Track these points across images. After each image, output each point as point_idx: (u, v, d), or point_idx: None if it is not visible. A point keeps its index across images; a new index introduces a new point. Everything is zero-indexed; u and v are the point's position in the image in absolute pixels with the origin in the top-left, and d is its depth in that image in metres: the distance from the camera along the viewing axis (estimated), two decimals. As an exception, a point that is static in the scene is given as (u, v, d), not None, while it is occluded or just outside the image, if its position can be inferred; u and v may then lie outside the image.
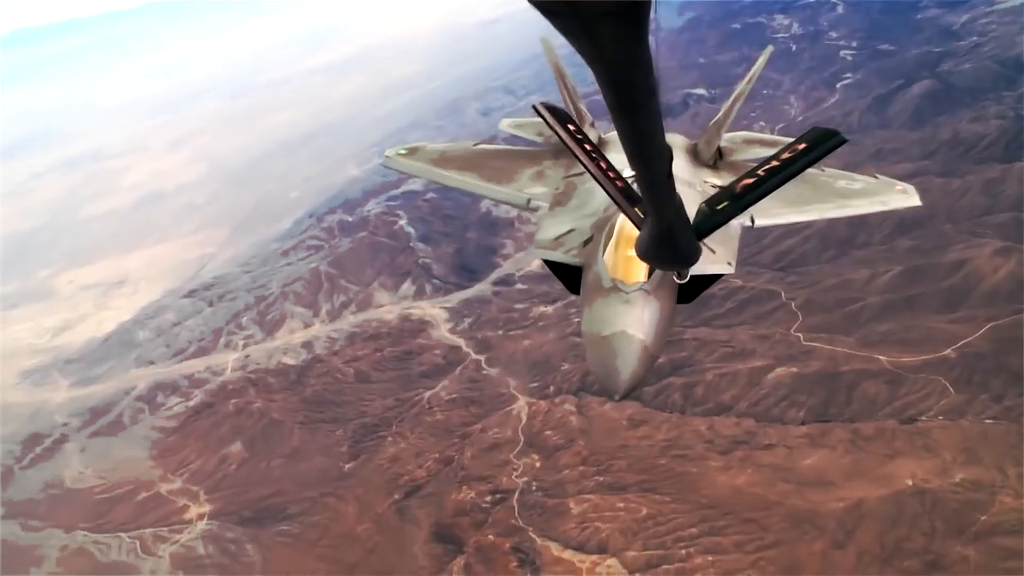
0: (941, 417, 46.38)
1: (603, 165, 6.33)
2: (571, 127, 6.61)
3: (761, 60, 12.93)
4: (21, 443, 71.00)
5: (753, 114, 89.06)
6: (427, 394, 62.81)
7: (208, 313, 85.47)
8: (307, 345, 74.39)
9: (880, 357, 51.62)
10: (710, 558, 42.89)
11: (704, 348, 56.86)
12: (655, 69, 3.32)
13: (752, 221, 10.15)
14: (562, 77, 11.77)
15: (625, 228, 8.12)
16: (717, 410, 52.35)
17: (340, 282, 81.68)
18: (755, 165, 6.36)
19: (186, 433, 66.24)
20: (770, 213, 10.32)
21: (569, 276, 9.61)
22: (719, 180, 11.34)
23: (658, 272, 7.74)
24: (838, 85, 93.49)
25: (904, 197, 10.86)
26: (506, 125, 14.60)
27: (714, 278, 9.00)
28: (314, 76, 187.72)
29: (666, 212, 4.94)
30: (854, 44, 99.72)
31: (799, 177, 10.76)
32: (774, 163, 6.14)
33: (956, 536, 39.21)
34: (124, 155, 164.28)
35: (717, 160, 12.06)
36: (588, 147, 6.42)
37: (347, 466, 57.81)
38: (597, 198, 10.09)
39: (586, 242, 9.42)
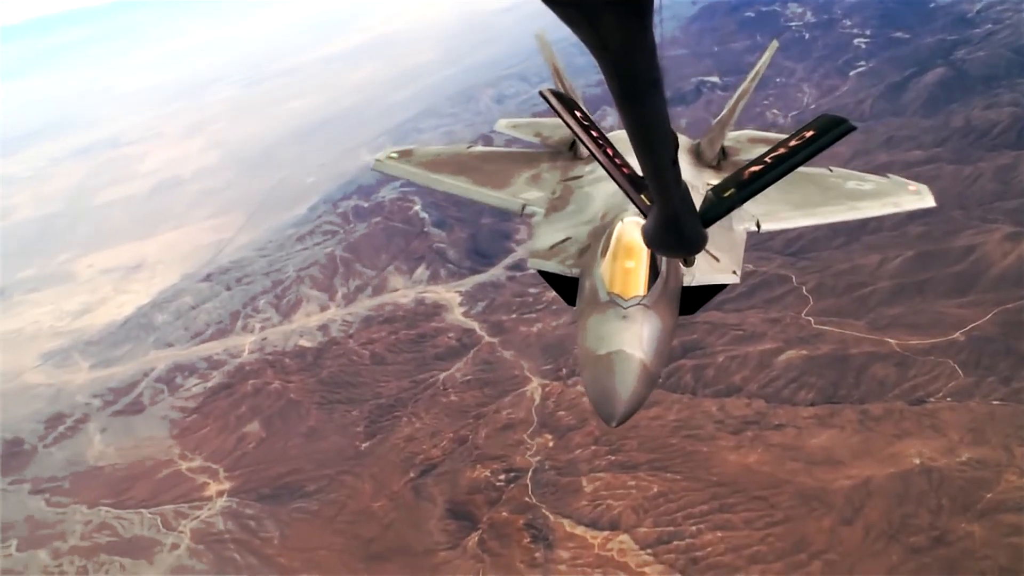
0: (949, 399, 47.09)
1: (610, 152, 6.24)
2: (578, 113, 6.47)
3: (766, 56, 12.57)
4: (44, 422, 72.32)
5: (766, 102, 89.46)
6: (442, 376, 63.78)
7: (225, 296, 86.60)
8: (323, 328, 75.43)
9: (889, 340, 52.31)
10: (720, 534, 43.82)
11: (715, 331, 57.57)
12: (659, 57, 3.26)
13: (758, 226, 9.86)
14: (558, 73, 11.20)
15: (623, 238, 7.98)
16: (728, 391, 53.13)
17: (355, 266, 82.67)
18: (762, 152, 6.32)
19: (205, 413, 67.38)
20: (777, 217, 10.05)
21: (566, 287, 9.38)
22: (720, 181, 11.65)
23: (658, 285, 7.61)
24: (851, 73, 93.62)
25: (917, 198, 10.62)
26: (502, 126, 14.29)
27: (718, 288, 8.81)
28: (328, 64, 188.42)
29: (672, 199, 4.82)
30: (868, 32, 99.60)
31: (807, 179, 10.68)
32: (782, 150, 6.07)
33: (962, 513, 40.01)
34: (140, 142, 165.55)
35: (721, 160, 11.75)
36: (595, 133, 6.32)
37: (363, 445, 58.84)
38: (595, 204, 9.95)
39: (582, 251, 9.17)
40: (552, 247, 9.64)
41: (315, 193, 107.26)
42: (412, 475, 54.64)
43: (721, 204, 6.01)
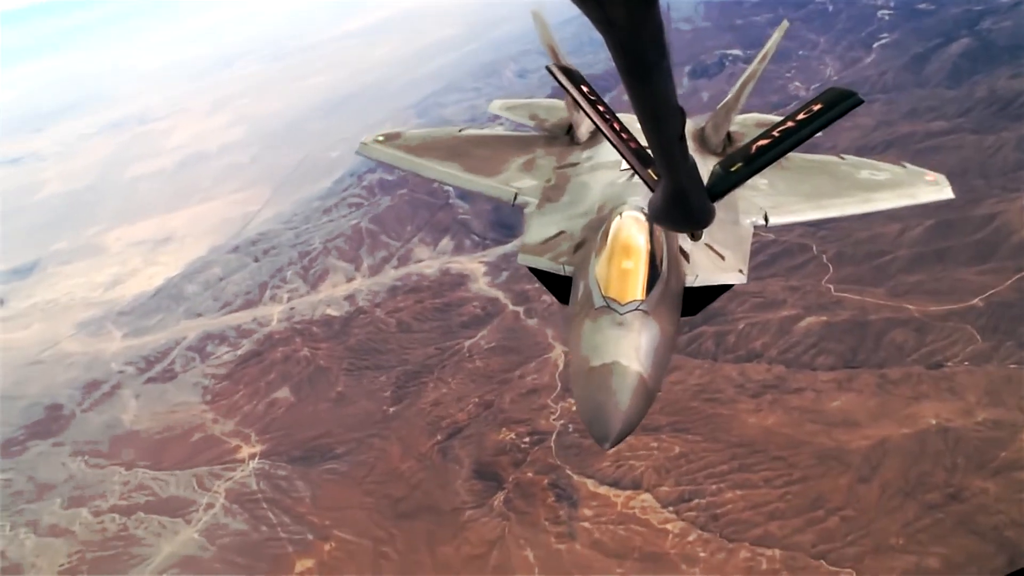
0: (967, 363, 47.78)
1: (617, 126, 6.09)
2: (585, 88, 6.24)
3: (776, 37, 11.92)
4: (81, 389, 74.51)
5: (788, 74, 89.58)
6: (467, 343, 65.07)
7: (253, 268, 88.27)
8: (350, 298, 76.87)
9: (909, 306, 52.97)
10: (739, 492, 45.03)
11: (736, 299, 58.33)
12: (666, 31, 3.22)
13: (766, 220, 9.46)
14: (555, 53, 10.43)
15: (621, 234, 7.49)
16: (748, 357, 54.07)
17: (381, 238, 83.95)
18: (770, 127, 6.13)
19: (236, 380, 69.11)
20: (786, 210, 9.70)
21: (559, 285, 8.95)
22: None
23: (658, 287, 7.20)
24: (875, 45, 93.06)
25: (935, 189, 10.22)
26: (496, 107, 13.64)
27: (723, 288, 8.45)
28: (351, 39, 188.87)
29: (680, 174, 4.75)
30: (892, 4, 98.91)
31: (818, 169, 10.52)
32: (790, 124, 5.90)
33: (976, 471, 40.97)
34: (167, 117, 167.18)
35: (726, 146, 11.26)
36: (602, 108, 6.15)
37: (391, 410, 60.29)
38: (591, 194, 9.51)
39: (577, 247, 8.74)
40: (544, 241, 9.24)
41: (340, 167, 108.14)
42: (439, 438, 56.08)
43: (728, 178, 5.87)
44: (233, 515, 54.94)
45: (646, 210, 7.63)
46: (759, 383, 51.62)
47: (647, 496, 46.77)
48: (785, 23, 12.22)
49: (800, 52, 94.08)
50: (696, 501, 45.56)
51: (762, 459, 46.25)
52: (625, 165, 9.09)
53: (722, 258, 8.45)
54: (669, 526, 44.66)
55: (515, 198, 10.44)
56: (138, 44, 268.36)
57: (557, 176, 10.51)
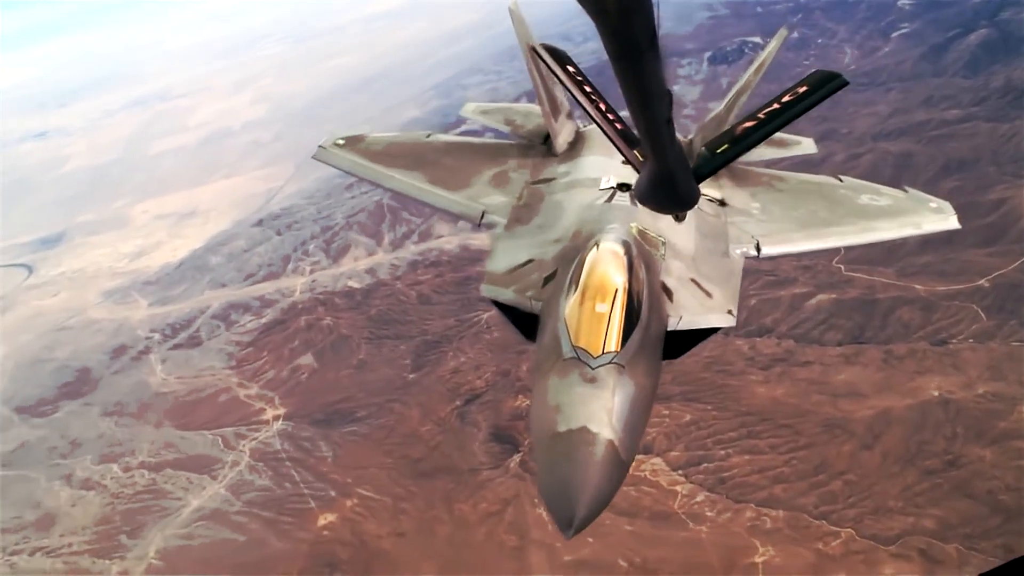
0: (971, 340, 49.45)
1: (603, 107, 5.92)
2: (571, 68, 6.10)
3: (772, 45, 11.69)
4: (108, 353, 76.74)
5: (807, 62, 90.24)
6: (485, 315, 66.62)
7: (276, 241, 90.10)
8: (371, 271, 78.65)
9: (916, 286, 54.54)
10: (747, 458, 46.85)
11: (748, 277, 58.49)
12: (656, 16, 3.26)
13: (758, 250, 8.88)
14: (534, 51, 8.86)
15: (596, 270, 6.76)
16: (759, 332, 55.68)
17: (402, 214, 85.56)
18: (756, 109, 6.12)
19: (260, 346, 71.10)
20: (780, 238, 9.11)
21: (527, 320, 8.07)
22: (715, 191, 9.92)
23: (635, 336, 6.53)
24: (893, 35, 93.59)
25: (939, 218, 9.74)
26: (470, 111, 12.83)
27: (710, 331, 7.84)
28: (375, 22, 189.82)
29: (667, 156, 4.66)
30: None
31: (814, 192, 10.05)
32: (775, 106, 5.86)
33: (975, 440, 42.78)
34: (190, 95, 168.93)
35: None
36: (588, 89, 5.97)
37: (411, 376, 62.12)
38: (565, 217, 8.74)
39: (547, 279, 7.90)
40: (511, 270, 8.35)
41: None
42: (457, 403, 57.93)
43: (714, 160, 5.83)
44: (258, 472, 56.85)
45: (625, 239, 7.28)
46: (769, 356, 53.32)
47: (658, 460, 48.56)
48: (783, 31, 12.06)
49: (819, 40, 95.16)
50: (704, 465, 47.37)
51: (769, 427, 48.03)
52: (605, 184, 8.90)
53: (709, 296, 7.89)
54: (678, 488, 46.46)
55: (482, 217, 9.56)
56: (161, 23, 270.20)
57: (529, 193, 9.71)
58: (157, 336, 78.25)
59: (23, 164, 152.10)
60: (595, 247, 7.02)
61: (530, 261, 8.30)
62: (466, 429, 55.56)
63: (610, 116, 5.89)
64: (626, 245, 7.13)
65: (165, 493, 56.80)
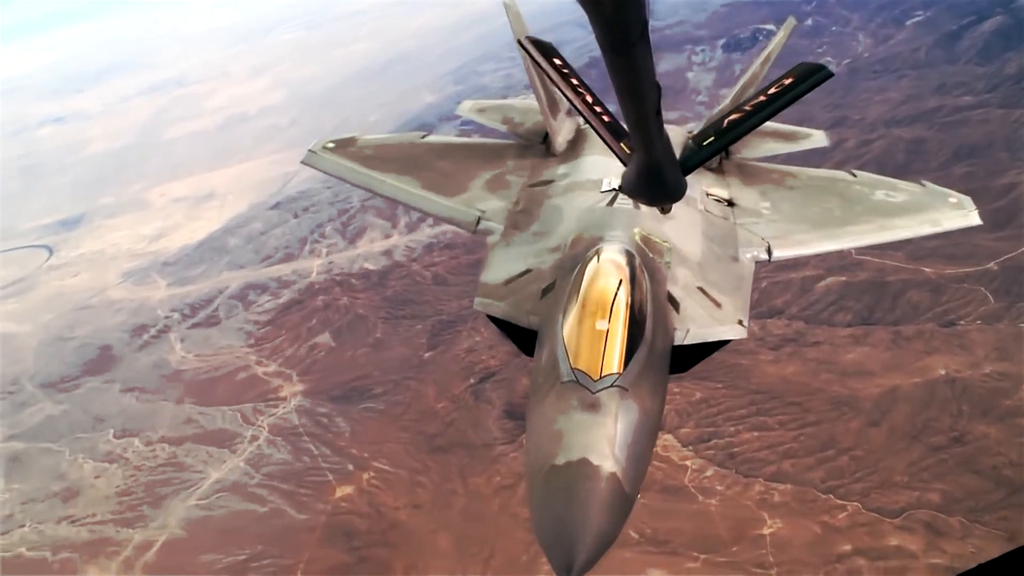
0: (979, 321, 50.12)
1: (590, 99, 5.86)
2: (557, 60, 6.03)
3: (780, 36, 11.40)
4: (129, 332, 78.21)
5: (820, 50, 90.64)
6: (499, 297, 67.75)
7: (293, 224, 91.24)
8: (387, 253, 79.61)
9: (926, 269, 55.14)
10: (756, 434, 47.74)
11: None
12: (648, 7, 3.25)
13: (769, 254, 8.55)
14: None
15: (596, 284, 6.44)
16: (769, 313, 56.46)
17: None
18: (742, 102, 6.08)
19: (278, 325, 72.32)
20: (792, 240, 8.76)
21: (525, 334, 7.70)
22: (723, 190, 9.62)
23: (640, 355, 6.17)
24: (908, 22, 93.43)
25: (960, 214, 9.47)
26: (466, 109, 12.43)
27: (719, 343, 7.60)
28: (390, 8, 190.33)
29: (655, 148, 4.60)
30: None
31: (827, 189, 9.77)
32: (761, 98, 5.80)
33: (980, 417, 43.53)
34: (207, 81, 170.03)
35: (723, 159, 10.29)
36: (575, 81, 5.92)
37: (426, 355, 63.15)
38: (566, 222, 8.36)
39: (545, 291, 7.53)
40: (507, 282, 7.99)
41: (379, 130, 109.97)
42: (472, 381, 58.93)
43: (701, 152, 5.73)
44: (276, 447, 58.04)
45: (628, 248, 7.04)
46: (779, 337, 54.16)
47: (669, 436, 49.48)
48: (791, 21, 11.80)
49: (833, 28, 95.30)
50: (714, 441, 48.31)
51: (778, 404, 48.93)
52: (606, 186, 8.63)
53: (718, 306, 7.56)
54: (688, 463, 47.43)
55: (477, 223, 9.16)
56: (178, 9, 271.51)
57: (527, 197, 9.34)
58: (176, 316, 79.54)
59: (42, 148, 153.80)
60: (595, 257, 6.75)
61: (527, 272, 7.91)
62: (480, 406, 56.59)
63: (597, 108, 5.82)
64: (628, 255, 6.88)
65: (186, 466, 58.12)
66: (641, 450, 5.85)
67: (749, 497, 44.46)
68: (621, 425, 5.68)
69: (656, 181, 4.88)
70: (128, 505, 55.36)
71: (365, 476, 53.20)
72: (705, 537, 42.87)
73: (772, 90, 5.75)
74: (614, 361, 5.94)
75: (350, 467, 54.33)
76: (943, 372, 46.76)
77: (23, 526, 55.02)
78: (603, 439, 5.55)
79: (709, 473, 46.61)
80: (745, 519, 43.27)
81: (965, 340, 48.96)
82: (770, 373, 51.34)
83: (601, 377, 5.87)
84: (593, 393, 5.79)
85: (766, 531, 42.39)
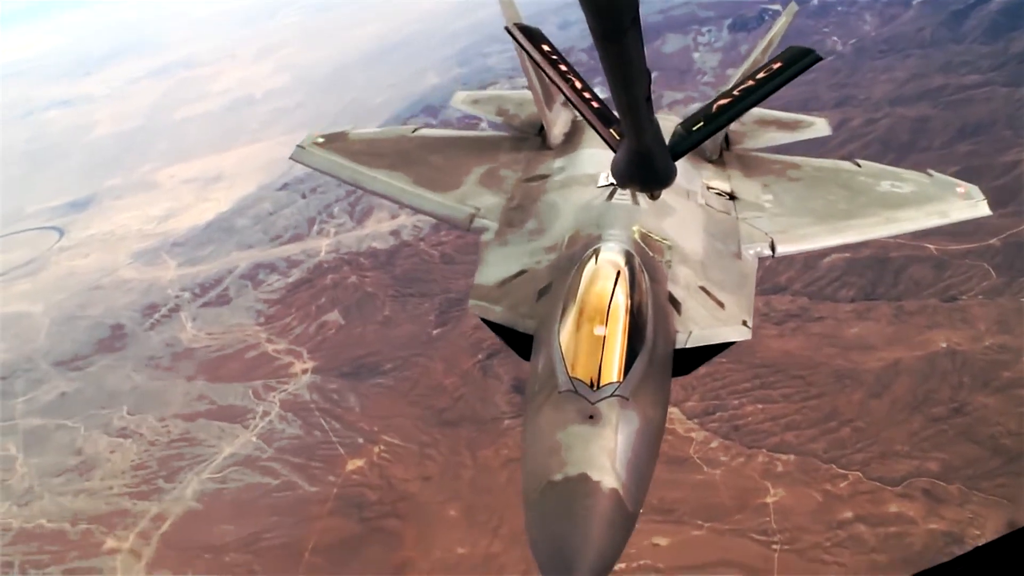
0: (980, 296, 50.88)
1: (578, 85, 5.76)
2: (545, 47, 5.93)
3: (782, 22, 11.11)
4: (140, 311, 79.11)
5: (826, 29, 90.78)
6: (507, 275, 68.45)
7: (301, 204, 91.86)
8: (395, 233, 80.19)
9: (928, 245, 55.78)
10: (760, 406, 48.63)
11: (765, 237, 61.29)
12: None
13: (773, 249, 8.37)
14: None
15: (594, 286, 6.19)
16: (774, 290, 57.12)
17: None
18: (731, 87, 6.08)
19: (288, 304, 73.16)
20: (796, 234, 8.52)
21: (522, 337, 7.46)
22: (724, 183, 9.34)
23: (640, 362, 5.93)
24: (914, 2, 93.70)
25: (968, 204, 9.33)
26: (460, 101, 12.32)
27: (723, 345, 7.34)
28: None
29: (645, 134, 4.58)
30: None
31: (831, 180, 9.49)
32: (750, 83, 5.67)
33: (981, 388, 44.43)
34: (214, 63, 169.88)
35: (723, 150, 10.05)
36: (564, 68, 5.83)
37: (435, 332, 64.00)
38: (562, 219, 8.12)
39: (541, 293, 7.26)
40: (501, 283, 7.72)
41: (384, 112, 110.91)
42: (480, 357, 59.71)
43: (690, 137, 5.56)
44: (288, 422, 58.95)
45: (627, 247, 6.86)
46: (783, 312, 54.91)
47: (674, 409, 50.15)
48: (793, 6, 11.42)
49: (839, 8, 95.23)
50: (719, 414, 49.18)
51: (782, 378, 49.76)
52: (603, 180, 8.35)
53: (721, 306, 7.35)
54: (693, 435, 48.30)
55: (471, 221, 8.88)
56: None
57: (522, 193, 9.02)
58: (187, 295, 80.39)
59: (50, 131, 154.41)
60: (593, 258, 6.53)
61: (522, 272, 7.68)
62: (488, 381, 57.44)
63: (586, 95, 5.73)
64: (627, 255, 6.70)
65: (199, 441, 59.13)
66: (643, 464, 5.62)
67: (753, 467, 45.39)
68: (622, 437, 5.45)
69: (646, 166, 4.87)
70: (143, 479, 56.45)
71: (376, 449, 54.17)
72: (710, 506, 43.83)
73: (761, 75, 5.63)
74: (613, 369, 5.73)
75: (360, 441, 55.29)
76: (944, 345, 47.58)
77: (42, 498, 56.16)
78: (603, 453, 5.30)
79: (714, 444, 47.50)
80: (749, 488, 44.21)
81: (967, 314, 49.71)
82: (774, 348, 52.11)
83: (600, 386, 5.66)
84: (592, 403, 5.57)
85: (769, 500, 43.33)
